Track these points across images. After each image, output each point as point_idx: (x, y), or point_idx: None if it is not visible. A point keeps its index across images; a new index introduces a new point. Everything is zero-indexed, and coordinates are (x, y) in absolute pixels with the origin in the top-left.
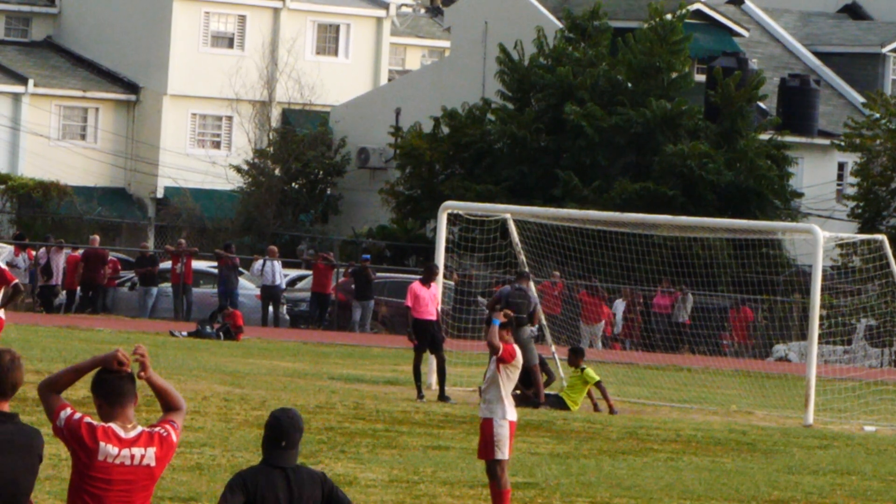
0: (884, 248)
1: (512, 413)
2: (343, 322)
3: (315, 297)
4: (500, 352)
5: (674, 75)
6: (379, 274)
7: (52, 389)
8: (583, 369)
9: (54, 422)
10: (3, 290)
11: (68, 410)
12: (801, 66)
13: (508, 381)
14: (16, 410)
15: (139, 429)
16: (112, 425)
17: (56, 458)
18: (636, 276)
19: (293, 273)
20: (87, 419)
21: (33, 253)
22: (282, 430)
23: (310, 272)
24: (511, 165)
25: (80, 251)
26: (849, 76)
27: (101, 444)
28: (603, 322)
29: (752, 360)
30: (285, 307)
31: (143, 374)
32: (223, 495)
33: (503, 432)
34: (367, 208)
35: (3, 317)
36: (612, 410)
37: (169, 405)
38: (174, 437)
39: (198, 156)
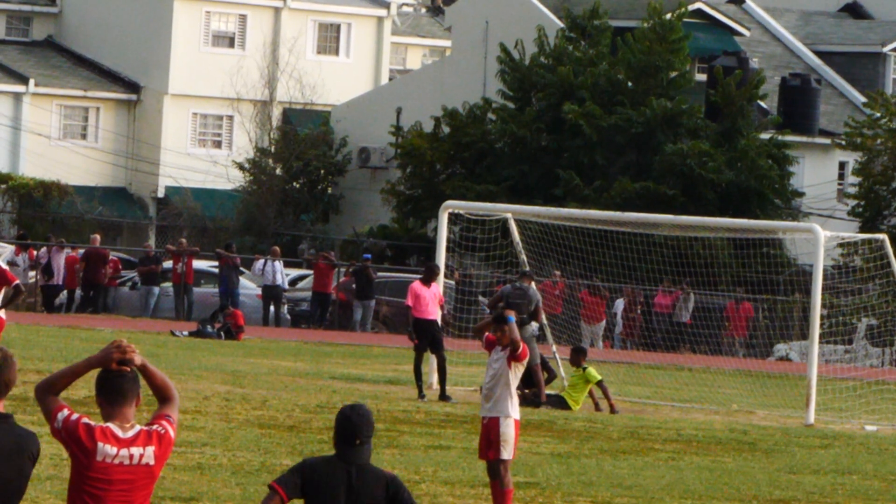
0: (885, 248)
1: (517, 411)
2: (344, 322)
3: (316, 296)
4: (521, 349)
5: (673, 74)
6: (380, 273)
7: (49, 391)
8: (584, 368)
9: (52, 423)
10: (3, 291)
11: (66, 412)
12: (801, 65)
13: (515, 379)
14: (15, 411)
15: (137, 428)
16: (110, 425)
17: (57, 458)
18: (637, 275)
19: (294, 273)
20: (85, 420)
21: (34, 253)
22: (354, 429)
23: (311, 272)
24: (512, 165)
25: (81, 251)
26: (849, 75)
27: (100, 444)
28: (604, 322)
29: (753, 360)
30: (286, 307)
31: (135, 360)
32: (285, 472)
33: (510, 431)
34: (368, 208)
35: (4, 317)
36: (613, 410)
37: (163, 395)
38: (172, 434)
39: (199, 155)
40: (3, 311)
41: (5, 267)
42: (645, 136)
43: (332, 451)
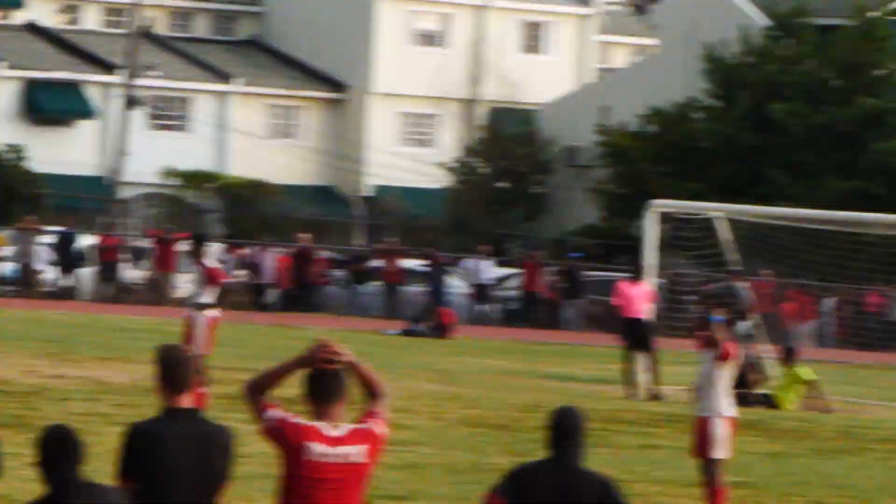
0: None
1: (730, 410)
2: (553, 320)
3: (525, 294)
4: (726, 348)
5: (880, 72)
6: (588, 272)
7: (256, 390)
8: (795, 368)
9: (260, 422)
10: (214, 289)
11: (274, 410)
12: None
13: (726, 378)
14: (227, 409)
15: (347, 426)
16: (320, 424)
17: (267, 457)
18: (847, 273)
19: (503, 271)
20: (294, 419)
21: (242, 251)
22: (566, 431)
23: (520, 270)
24: (718, 164)
25: (291, 250)
26: None
27: (309, 443)
28: (814, 321)
29: None
30: (495, 305)
31: (343, 358)
32: (498, 481)
33: (721, 431)
34: (575, 206)
35: (220, 314)
36: (826, 409)
37: (373, 392)
38: (383, 431)
39: (405, 154)
40: (218, 309)
41: (215, 265)
42: (852, 134)
43: (544, 451)
